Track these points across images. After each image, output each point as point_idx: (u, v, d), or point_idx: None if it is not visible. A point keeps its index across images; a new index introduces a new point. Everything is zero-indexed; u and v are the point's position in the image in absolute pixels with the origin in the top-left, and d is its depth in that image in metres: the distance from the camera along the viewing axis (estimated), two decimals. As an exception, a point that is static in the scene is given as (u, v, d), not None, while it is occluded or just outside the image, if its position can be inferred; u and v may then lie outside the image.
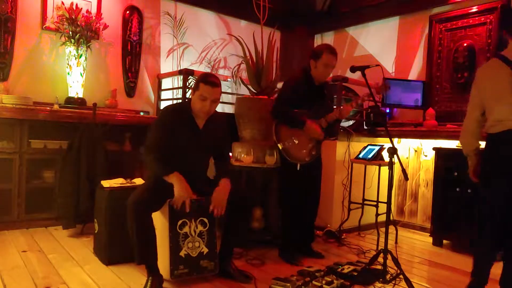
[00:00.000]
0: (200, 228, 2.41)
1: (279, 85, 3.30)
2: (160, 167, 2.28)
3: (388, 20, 4.76)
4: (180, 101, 4.13)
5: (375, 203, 3.41)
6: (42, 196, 3.46)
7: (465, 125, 2.38)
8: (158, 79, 4.61)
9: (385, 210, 2.55)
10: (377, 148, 3.49)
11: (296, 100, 2.88)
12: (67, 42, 3.73)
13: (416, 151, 4.16)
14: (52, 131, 3.49)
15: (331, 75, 3.30)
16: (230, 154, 3.37)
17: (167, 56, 4.70)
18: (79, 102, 3.80)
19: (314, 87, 2.98)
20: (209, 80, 2.36)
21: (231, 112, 4.13)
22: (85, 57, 3.84)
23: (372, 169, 3.67)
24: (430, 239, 3.60)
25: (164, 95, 4.61)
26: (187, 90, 4.11)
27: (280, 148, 2.88)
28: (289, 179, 2.94)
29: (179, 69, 4.42)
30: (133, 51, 4.42)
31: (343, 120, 3.87)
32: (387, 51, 4.74)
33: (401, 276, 2.37)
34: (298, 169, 2.87)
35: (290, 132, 2.90)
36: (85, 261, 2.67)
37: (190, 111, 2.42)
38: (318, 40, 5.66)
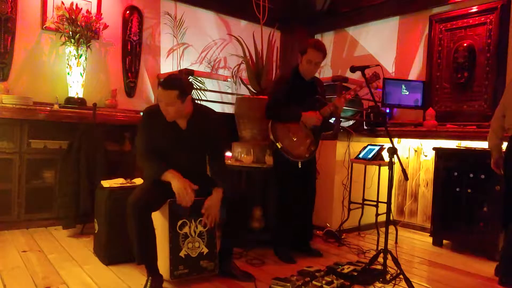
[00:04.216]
0: (200, 228, 2.41)
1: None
2: (154, 168, 2.26)
3: (388, 20, 4.75)
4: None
5: (375, 203, 3.41)
6: (42, 196, 3.46)
7: (491, 122, 2.79)
8: (158, 79, 4.61)
9: (385, 210, 2.55)
10: (377, 148, 3.49)
11: (286, 97, 2.86)
12: (67, 42, 3.73)
13: (416, 151, 4.16)
14: (52, 131, 3.49)
15: (324, 74, 3.29)
16: (229, 154, 3.37)
17: (167, 56, 4.69)
18: (79, 102, 3.80)
19: (304, 83, 2.94)
20: (161, 83, 2.29)
21: (231, 112, 4.13)
22: (85, 57, 3.85)
23: (372, 169, 3.67)
24: (430, 239, 3.60)
25: (164, 95, 4.60)
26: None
27: (279, 147, 2.85)
28: (287, 177, 2.93)
29: (179, 69, 4.42)
30: (133, 51, 4.42)
31: (340, 117, 3.86)
32: (387, 51, 4.74)
33: (401, 276, 2.37)
34: (300, 167, 2.86)
35: (286, 129, 2.88)
36: (85, 261, 2.67)
37: None
38: (318, 40, 5.65)
